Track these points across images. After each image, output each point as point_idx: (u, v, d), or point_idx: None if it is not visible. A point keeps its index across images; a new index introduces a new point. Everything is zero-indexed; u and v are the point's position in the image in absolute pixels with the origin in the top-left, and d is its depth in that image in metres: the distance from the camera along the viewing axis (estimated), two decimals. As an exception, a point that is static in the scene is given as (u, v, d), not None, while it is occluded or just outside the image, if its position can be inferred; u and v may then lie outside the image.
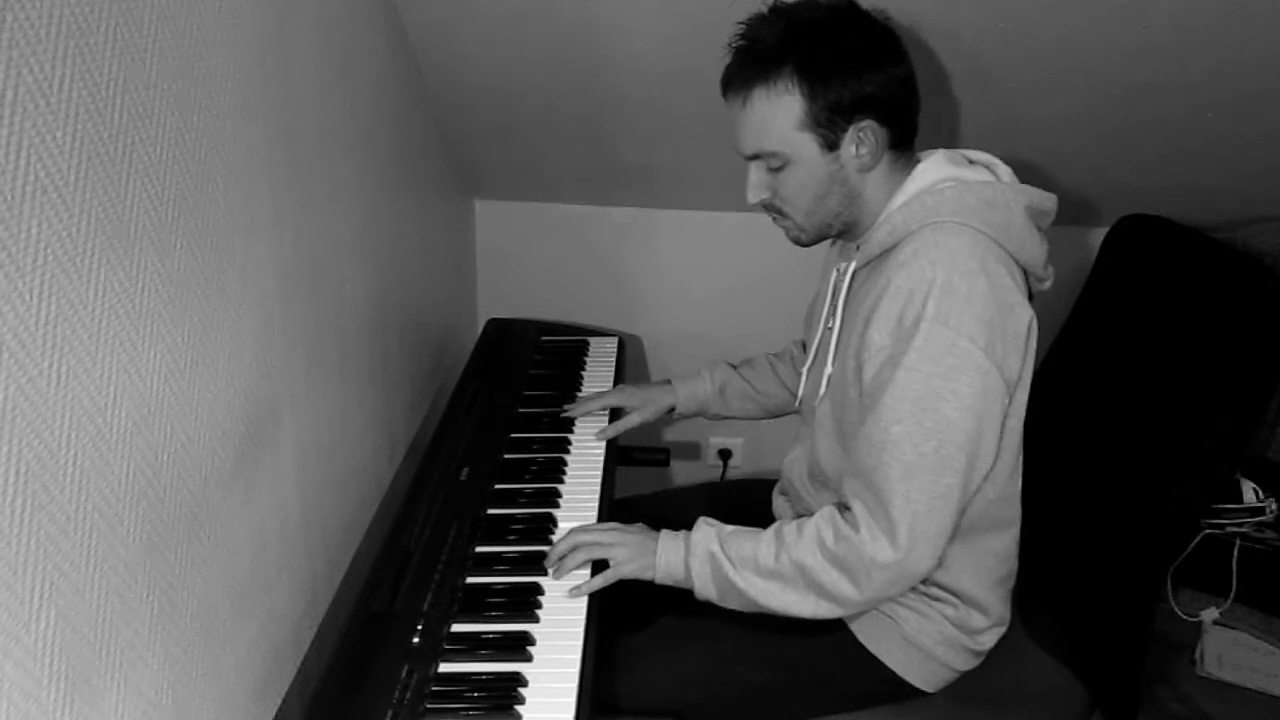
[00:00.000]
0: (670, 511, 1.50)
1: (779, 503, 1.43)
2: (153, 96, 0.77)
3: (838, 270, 1.27)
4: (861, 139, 1.13)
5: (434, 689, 1.03)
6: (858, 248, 1.22)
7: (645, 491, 1.65)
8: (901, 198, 1.15)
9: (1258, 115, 1.59)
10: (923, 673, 1.24)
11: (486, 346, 1.87)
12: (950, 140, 1.46)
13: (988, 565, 1.22)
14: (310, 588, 1.20)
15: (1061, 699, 1.32)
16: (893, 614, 1.23)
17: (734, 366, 1.57)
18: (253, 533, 1.02)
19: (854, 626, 1.24)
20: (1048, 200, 1.17)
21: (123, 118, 0.73)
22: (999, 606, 1.25)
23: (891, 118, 1.13)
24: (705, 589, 1.18)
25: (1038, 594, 1.39)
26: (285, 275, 1.08)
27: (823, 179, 1.16)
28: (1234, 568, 1.84)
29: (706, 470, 2.24)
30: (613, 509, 1.39)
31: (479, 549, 1.26)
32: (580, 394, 1.66)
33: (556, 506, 1.35)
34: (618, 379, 1.75)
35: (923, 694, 1.25)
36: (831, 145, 1.13)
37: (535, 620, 1.13)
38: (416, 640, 1.09)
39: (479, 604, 1.16)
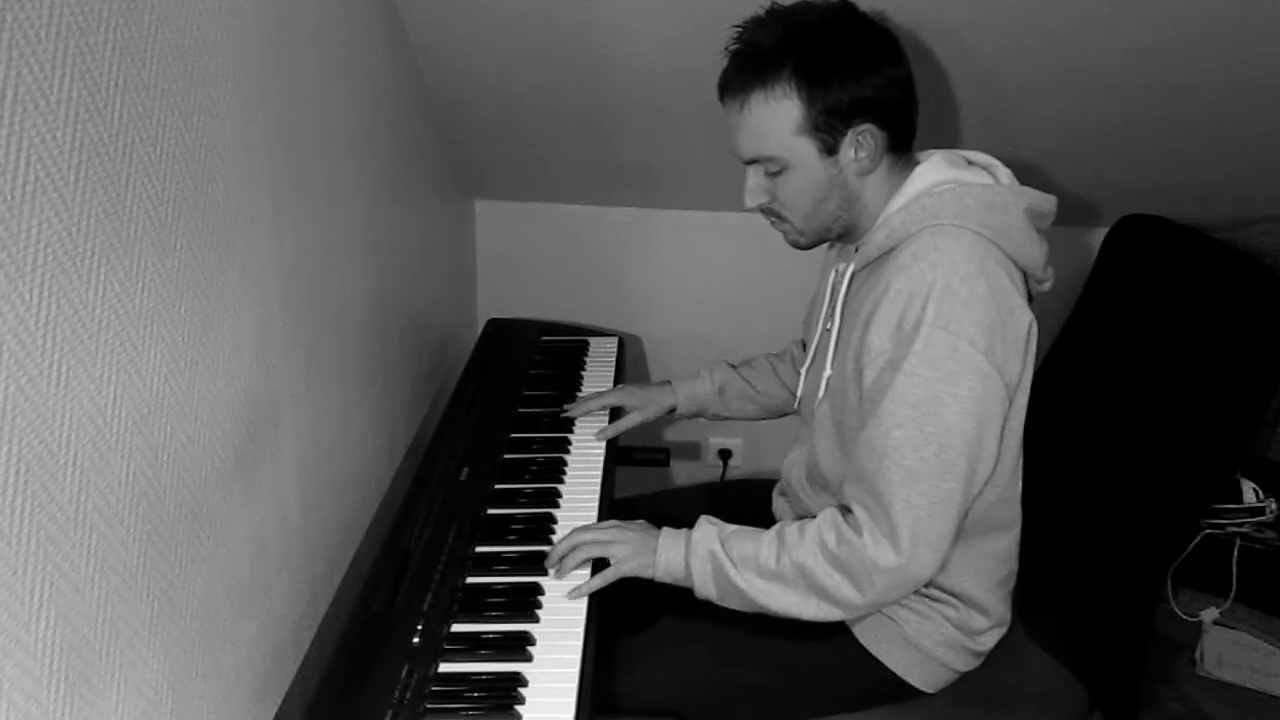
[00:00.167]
0: (670, 511, 1.50)
1: (779, 503, 1.43)
2: (153, 96, 0.77)
3: (836, 271, 1.26)
4: (860, 143, 1.12)
5: (434, 689, 1.03)
6: (856, 249, 1.22)
7: (645, 491, 1.65)
8: (900, 200, 1.15)
9: (1258, 115, 1.59)
10: (923, 673, 1.24)
11: (486, 346, 1.87)
12: (950, 141, 1.46)
13: (988, 566, 1.22)
14: (310, 588, 1.20)
15: (1061, 699, 1.32)
16: (893, 615, 1.23)
17: (734, 367, 1.57)
18: (253, 533, 1.02)
19: (854, 627, 1.24)
20: (1047, 202, 1.17)
21: (123, 118, 0.73)
22: (999, 607, 1.25)
23: (890, 121, 1.13)
24: (705, 588, 1.18)
25: (1038, 594, 1.39)
26: (285, 275, 1.08)
27: (821, 183, 1.15)
28: (1234, 568, 1.84)
29: (706, 470, 2.24)
30: (613, 509, 1.39)
31: (479, 549, 1.26)
32: (580, 394, 1.66)
33: (556, 506, 1.35)
34: (618, 379, 1.75)
35: (923, 694, 1.25)
36: (830, 149, 1.13)
37: (535, 620, 1.13)
38: (416, 640, 1.09)
39: (479, 604, 1.16)
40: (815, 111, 1.11)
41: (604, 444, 1.51)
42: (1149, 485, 1.45)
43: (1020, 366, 1.10)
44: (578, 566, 1.21)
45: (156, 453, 0.80)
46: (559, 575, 1.20)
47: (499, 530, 1.30)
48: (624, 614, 1.26)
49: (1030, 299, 1.16)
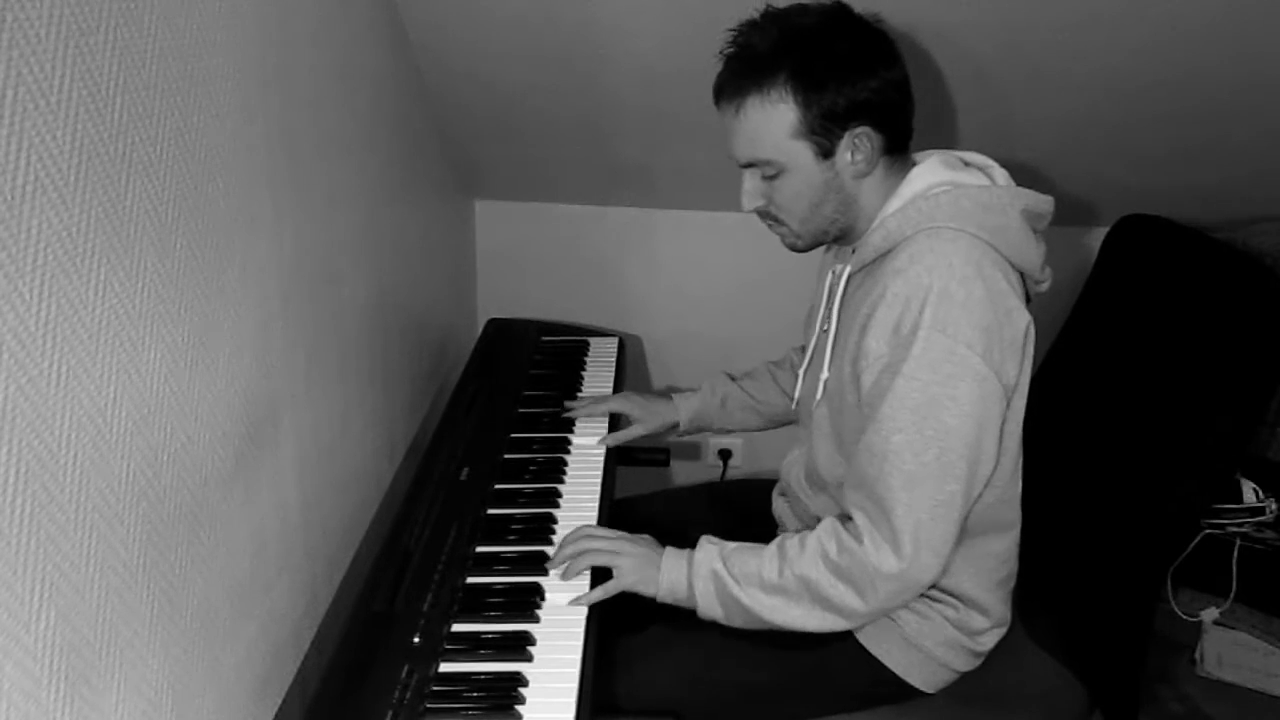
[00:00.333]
0: (670, 512, 1.51)
1: (779, 503, 1.43)
2: (153, 96, 0.77)
3: (833, 273, 1.26)
4: (857, 145, 1.12)
5: (434, 689, 1.03)
6: (853, 251, 1.22)
7: (645, 491, 1.65)
8: (896, 203, 1.15)
9: (1258, 115, 1.59)
10: (923, 674, 1.24)
11: (486, 346, 1.87)
12: (948, 143, 1.45)
13: (988, 567, 1.22)
14: (310, 588, 1.20)
15: (1061, 699, 1.32)
16: (893, 615, 1.22)
17: (734, 378, 1.57)
18: (253, 533, 1.02)
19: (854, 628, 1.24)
20: (1044, 203, 1.16)
21: (123, 118, 0.73)
22: (999, 608, 1.25)
23: (886, 123, 1.13)
24: (710, 608, 1.17)
25: (1038, 595, 1.39)
26: (285, 275, 1.08)
27: (818, 186, 1.15)
28: (1234, 568, 1.83)
29: (706, 470, 2.24)
30: (613, 509, 1.39)
31: (479, 549, 1.26)
32: (580, 394, 1.66)
33: (556, 506, 1.35)
34: (618, 379, 1.75)
35: (923, 694, 1.25)
36: (826, 153, 1.13)
37: (535, 620, 1.13)
38: (416, 640, 1.09)
39: (479, 604, 1.16)
40: (811, 115, 1.10)
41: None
42: (1149, 485, 1.45)
43: (1018, 368, 1.10)
44: (582, 571, 1.20)
45: (156, 453, 0.80)
46: (566, 577, 1.20)
47: (499, 530, 1.30)
48: (624, 614, 1.26)
49: (1028, 300, 1.16)
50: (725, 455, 2.21)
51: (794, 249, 1.24)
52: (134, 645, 0.77)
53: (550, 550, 1.25)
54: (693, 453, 2.23)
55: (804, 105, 1.10)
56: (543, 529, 1.29)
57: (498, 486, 1.39)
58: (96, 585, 0.72)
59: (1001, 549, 1.23)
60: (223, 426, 0.93)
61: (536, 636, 1.10)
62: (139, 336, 0.76)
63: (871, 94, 1.10)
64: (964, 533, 1.16)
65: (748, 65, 1.12)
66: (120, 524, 0.75)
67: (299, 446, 1.14)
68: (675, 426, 1.56)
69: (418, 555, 1.23)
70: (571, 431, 1.53)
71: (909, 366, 1.06)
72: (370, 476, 1.46)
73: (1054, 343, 1.80)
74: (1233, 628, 1.92)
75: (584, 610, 1.15)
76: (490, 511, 1.34)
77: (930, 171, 1.15)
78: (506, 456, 1.47)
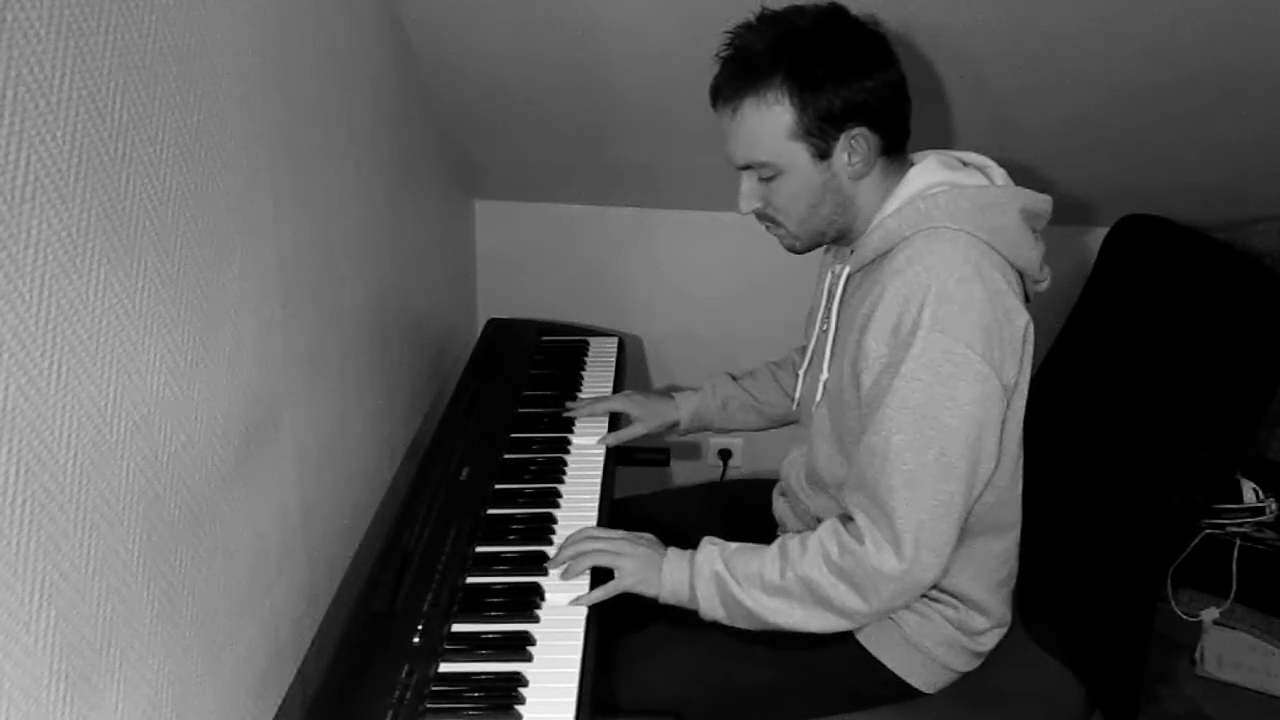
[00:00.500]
0: (670, 511, 1.51)
1: (779, 503, 1.43)
2: (153, 96, 0.77)
3: (832, 273, 1.26)
4: (854, 147, 1.12)
5: (434, 689, 1.03)
6: (851, 251, 1.22)
7: (645, 491, 1.65)
8: (895, 203, 1.15)
9: (1258, 115, 1.59)
10: (923, 674, 1.24)
11: (486, 346, 1.87)
12: (945, 143, 1.45)
13: (989, 567, 1.22)
14: (310, 588, 1.20)
15: (1061, 699, 1.32)
16: (893, 615, 1.22)
17: (735, 378, 1.57)
18: (253, 533, 1.02)
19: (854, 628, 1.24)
20: (1042, 202, 1.16)
21: (123, 118, 0.73)
22: (999, 608, 1.25)
23: (883, 124, 1.13)
24: (712, 609, 1.17)
25: (1038, 595, 1.39)
26: (285, 275, 1.08)
27: (815, 188, 1.15)
28: (1234, 568, 1.83)
29: (706, 470, 2.24)
30: (613, 509, 1.39)
31: (479, 549, 1.26)
32: (580, 394, 1.66)
33: (556, 506, 1.35)
34: (618, 379, 1.75)
35: (923, 695, 1.25)
36: (823, 154, 1.13)
37: (535, 620, 1.13)
38: (416, 640, 1.09)
39: (479, 604, 1.16)
40: (808, 117, 1.10)
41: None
42: (1149, 485, 1.45)
43: (1017, 368, 1.10)
44: (582, 571, 1.20)
45: (156, 453, 0.80)
46: (566, 578, 1.20)
47: (499, 530, 1.30)
48: (624, 614, 1.26)
49: (1027, 299, 1.16)
50: (725, 455, 2.21)
51: (792, 250, 1.24)
52: (134, 645, 0.77)
53: (550, 550, 1.25)
54: (693, 453, 2.23)
55: (800, 107, 1.10)
56: (543, 529, 1.29)
57: (498, 486, 1.39)
58: (96, 585, 0.72)
59: (1001, 549, 1.23)
60: (223, 426, 0.93)
61: (536, 636, 1.10)
62: (139, 336, 0.76)
63: (868, 95, 1.10)
64: (964, 533, 1.16)
65: (744, 67, 1.12)
66: (120, 524, 0.75)
67: (299, 446, 1.14)
68: (676, 426, 1.56)
69: (418, 555, 1.23)
70: (571, 431, 1.53)
71: (908, 367, 1.06)
72: (370, 476, 1.46)
73: (1054, 343, 1.80)
74: (1233, 628, 1.92)
75: (584, 610, 1.15)
76: (490, 511, 1.34)
77: (928, 171, 1.15)
78: (506, 456, 1.47)
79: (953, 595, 1.21)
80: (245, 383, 0.98)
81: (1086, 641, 1.45)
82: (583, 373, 1.76)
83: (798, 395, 1.37)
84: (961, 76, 1.54)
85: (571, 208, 2.05)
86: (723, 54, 1.15)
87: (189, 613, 0.87)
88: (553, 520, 1.32)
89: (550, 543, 1.26)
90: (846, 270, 1.21)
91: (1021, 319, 1.09)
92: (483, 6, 1.47)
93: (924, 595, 1.21)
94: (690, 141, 1.71)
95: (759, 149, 1.14)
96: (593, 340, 1.89)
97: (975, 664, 1.26)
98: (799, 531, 1.19)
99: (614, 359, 1.82)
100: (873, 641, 1.24)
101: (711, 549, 1.18)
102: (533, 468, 1.44)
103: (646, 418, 1.54)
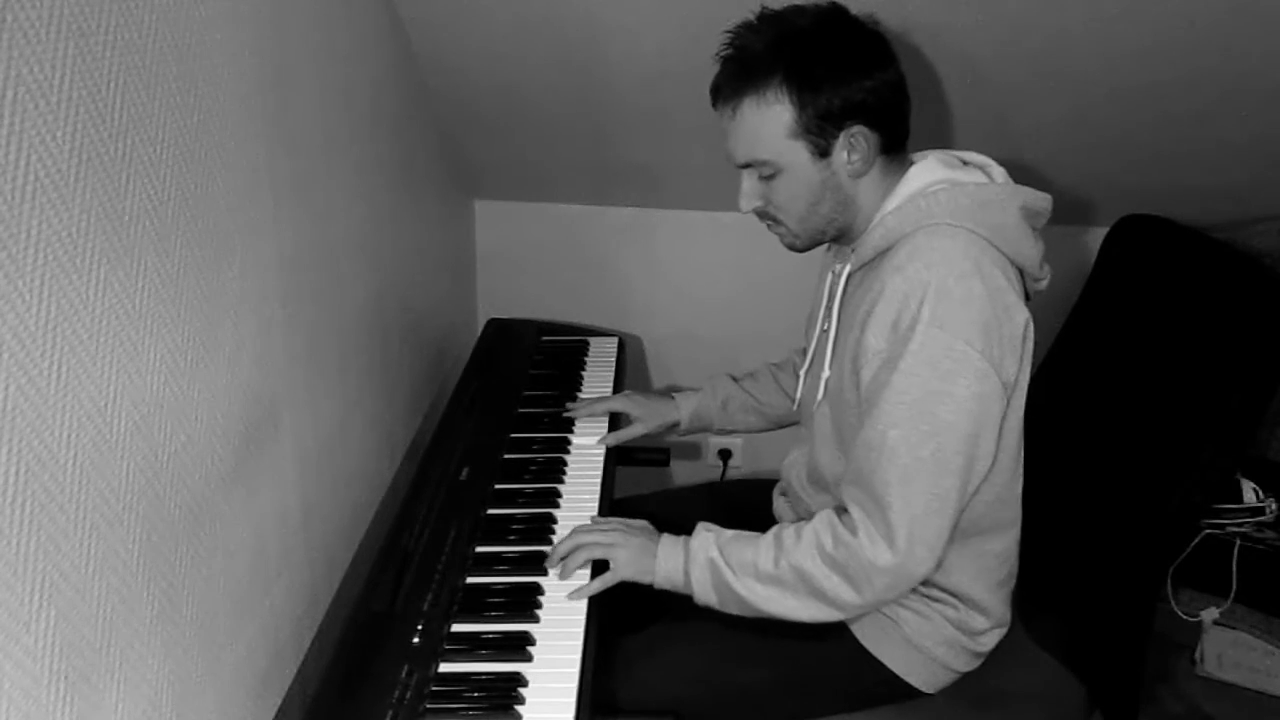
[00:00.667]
0: (670, 511, 1.50)
1: (779, 503, 1.43)
2: (153, 96, 0.77)
3: (833, 273, 1.27)
4: (853, 145, 1.13)
5: (434, 689, 1.03)
6: (852, 250, 1.22)
7: (645, 491, 1.65)
8: (895, 201, 1.15)
9: (1258, 115, 1.59)
10: (923, 674, 1.24)
11: (486, 346, 1.87)
12: (945, 143, 1.45)
13: (988, 567, 1.22)
14: (310, 588, 1.20)
15: (1061, 699, 1.32)
16: (893, 615, 1.23)
17: (736, 379, 1.57)
18: (253, 533, 1.02)
19: (854, 627, 1.24)
20: (1042, 200, 1.17)
21: (123, 118, 0.73)
22: (999, 608, 1.25)
23: (883, 123, 1.13)
24: (705, 595, 1.18)
25: (1038, 594, 1.39)
26: (285, 275, 1.08)
27: (815, 186, 1.15)
28: (1234, 568, 1.83)
29: (706, 470, 2.24)
30: (613, 509, 1.39)
31: (479, 549, 1.26)
32: (580, 394, 1.66)
33: (556, 506, 1.35)
34: (618, 379, 1.75)
35: (923, 694, 1.25)
36: (823, 152, 1.13)
37: (535, 620, 1.13)
38: (416, 640, 1.09)
39: (479, 604, 1.16)
40: (807, 115, 1.11)
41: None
42: (1149, 485, 1.45)
43: (1017, 365, 1.10)
44: (580, 567, 1.21)
45: (156, 453, 0.80)
46: (562, 575, 1.20)
47: (499, 530, 1.30)
48: (624, 614, 1.26)
49: (1027, 298, 1.16)
50: (725, 455, 2.21)
51: (793, 249, 1.24)
52: (134, 645, 0.77)
53: (550, 550, 1.25)
54: (693, 453, 2.23)
55: (799, 105, 1.11)
56: (543, 529, 1.29)
57: (498, 486, 1.39)
58: (96, 585, 0.72)
59: (1002, 548, 1.23)
60: (223, 426, 0.93)
61: (536, 636, 1.10)
62: (139, 336, 0.76)
63: (867, 94, 1.11)
64: (964, 532, 1.17)
65: (743, 66, 1.13)
66: (120, 524, 0.75)
67: (299, 446, 1.14)
68: (676, 426, 1.56)
69: (418, 555, 1.23)
70: (571, 431, 1.53)
71: (907, 362, 1.06)
72: (370, 476, 1.46)
73: (1054, 343, 1.80)
74: (1233, 628, 1.92)
75: (584, 610, 1.15)
76: (490, 511, 1.34)
77: (928, 170, 1.16)
78: (506, 456, 1.47)
79: (953, 595, 1.21)
80: (245, 383, 0.98)
81: (1086, 641, 1.45)
82: (583, 373, 1.76)
83: (798, 396, 1.37)
84: (961, 76, 1.54)
85: (571, 208, 2.05)
86: (722, 53, 1.16)
87: (189, 613, 0.87)
88: (553, 520, 1.32)
89: (550, 543, 1.26)
90: (847, 269, 1.22)
91: (1021, 316, 1.09)
92: (483, 6, 1.47)
93: (924, 595, 1.22)
94: (690, 141, 1.71)
95: (759, 147, 1.14)
96: (593, 340, 1.89)
97: (975, 664, 1.26)
98: (795, 521, 1.19)
99: (614, 359, 1.82)
100: (873, 641, 1.24)
101: (707, 536, 1.19)
102: (533, 468, 1.44)
103: (646, 418, 1.54)
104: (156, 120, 0.78)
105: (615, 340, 1.90)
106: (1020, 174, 1.20)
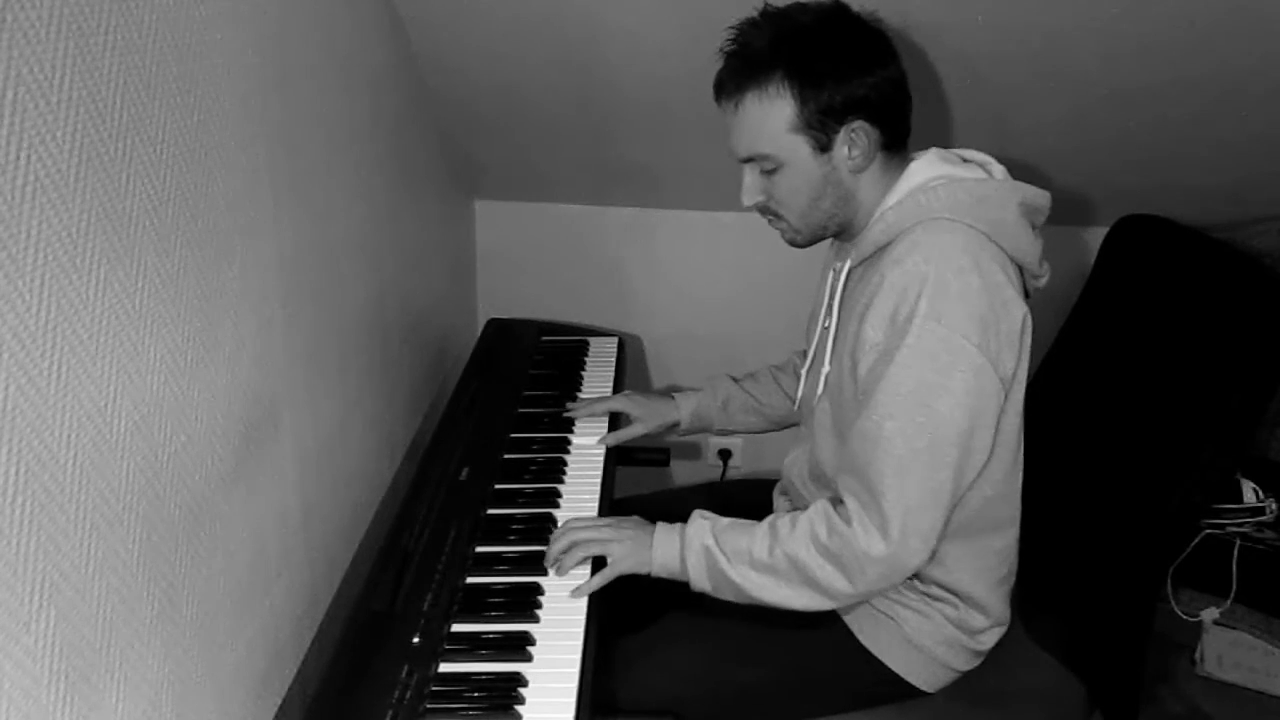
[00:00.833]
0: (670, 512, 1.50)
1: (780, 502, 1.43)
2: (153, 96, 0.77)
3: (834, 270, 1.27)
4: (853, 140, 1.14)
5: (434, 689, 1.03)
6: (853, 247, 1.22)
7: (645, 491, 1.65)
8: (895, 196, 1.16)
9: (1258, 115, 1.59)
10: (923, 673, 1.24)
11: (486, 346, 1.87)
12: (945, 143, 1.45)
13: (989, 565, 1.23)
14: (310, 588, 1.20)
15: (1061, 699, 1.32)
16: (893, 614, 1.23)
17: (736, 380, 1.57)
18: (253, 533, 1.02)
19: (854, 627, 1.25)
20: (1041, 197, 1.17)
21: (123, 118, 0.73)
22: (999, 606, 1.25)
23: (883, 119, 1.14)
24: (700, 581, 1.19)
25: (1038, 594, 1.39)
26: (285, 275, 1.08)
27: (816, 180, 1.16)
28: (1234, 568, 1.84)
29: (706, 470, 2.24)
30: (613, 509, 1.39)
31: (479, 549, 1.26)
32: (580, 394, 1.66)
33: (556, 506, 1.35)
34: (618, 379, 1.75)
35: (923, 694, 1.25)
36: (824, 147, 1.14)
37: (535, 620, 1.13)
38: (416, 640, 1.09)
39: (479, 604, 1.16)
40: (808, 109, 1.12)
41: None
42: (1149, 485, 1.45)
43: (1015, 360, 1.10)
44: (577, 565, 1.21)
45: (156, 453, 0.80)
46: (559, 574, 1.20)
47: (499, 530, 1.30)
48: (624, 614, 1.26)
49: (1026, 295, 1.16)
50: (725, 455, 2.21)
51: (794, 244, 1.25)
52: (134, 645, 0.77)
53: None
54: (693, 453, 2.23)
55: (801, 100, 1.12)
56: (543, 529, 1.29)
57: (498, 486, 1.39)
58: (96, 585, 0.72)
59: (1002, 546, 1.23)
60: (223, 426, 0.93)
61: (536, 636, 1.10)
62: (139, 336, 0.76)
63: (868, 90, 1.12)
64: (965, 529, 1.17)
65: (746, 62, 1.14)
66: (120, 524, 0.75)
67: (299, 446, 1.14)
68: (676, 425, 1.56)
69: (418, 555, 1.23)
70: (571, 431, 1.53)
71: (903, 355, 1.06)
72: (370, 476, 1.46)
73: (1054, 343, 1.80)
74: (1233, 628, 1.92)
75: (584, 610, 1.15)
76: (490, 511, 1.34)
77: (928, 166, 1.17)
78: (506, 456, 1.47)
79: (953, 593, 1.21)
80: (245, 383, 0.98)
81: (1086, 641, 1.45)
82: (583, 373, 1.76)
83: (800, 394, 1.37)
84: (961, 76, 1.54)
85: (571, 208, 2.05)
86: (726, 49, 1.17)
87: (189, 613, 0.87)
88: (553, 520, 1.32)
89: (551, 542, 1.26)
90: (848, 264, 1.22)
91: (1019, 311, 1.09)
92: (483, 6, 1.47)
93: (924, 593, 1.22)
94: (690, 141, 1.71)
95: (761, 141, 1.15)
96: (593, 340, 1.89)
97: (975, 663, 1.26)
98: (790, 512, 1.19)
99: (614, 359, 1.82)
100: (873, 640, 1.24)
101: (703, 523, 1.20)
102: (533, 468, 1.44)
103: (646, 418, 1.54)
104: (156, 120, 0.78)
105: (615, 340, 1.90)
106: (1020, 173, 1.20)
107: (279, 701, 1.10)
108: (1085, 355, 1.75)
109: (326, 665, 1.10)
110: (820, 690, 1.25)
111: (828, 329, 1.26)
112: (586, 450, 1.49)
